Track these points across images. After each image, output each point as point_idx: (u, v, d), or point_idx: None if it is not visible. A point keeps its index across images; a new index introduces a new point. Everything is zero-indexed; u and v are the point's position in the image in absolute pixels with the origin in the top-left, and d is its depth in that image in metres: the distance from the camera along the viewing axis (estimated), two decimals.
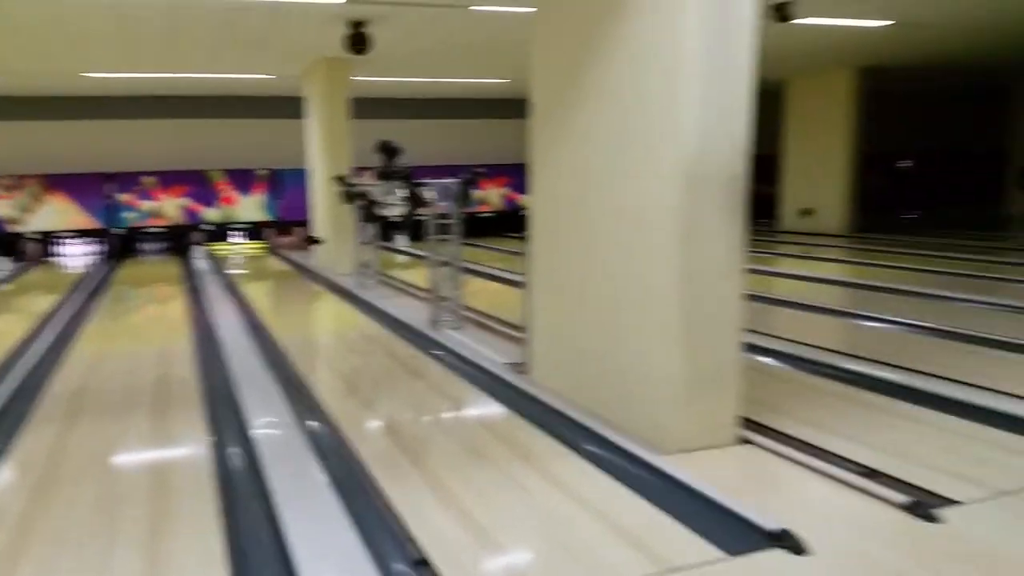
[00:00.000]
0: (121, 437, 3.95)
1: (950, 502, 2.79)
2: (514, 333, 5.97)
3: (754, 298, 7.20)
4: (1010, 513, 2.73)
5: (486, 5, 7.82)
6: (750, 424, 3.62)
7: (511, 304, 7.58)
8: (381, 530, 2.76)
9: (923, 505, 2.71)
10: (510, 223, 15.34)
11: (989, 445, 3.39)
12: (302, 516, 2.83)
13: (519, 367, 4.89)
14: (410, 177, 6.74)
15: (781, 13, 7.81)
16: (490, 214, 15.65)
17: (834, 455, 3.28)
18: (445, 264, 6.65)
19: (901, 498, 2.78)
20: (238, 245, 14.40)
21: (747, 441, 3.46)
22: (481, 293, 8.48)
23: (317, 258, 11.55)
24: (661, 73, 3.26)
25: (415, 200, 6.67)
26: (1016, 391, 4.07)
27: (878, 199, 16.39)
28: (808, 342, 5.38)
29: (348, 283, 9.36)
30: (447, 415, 4.36)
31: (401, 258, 12.58)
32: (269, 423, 4.03)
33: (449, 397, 4.65)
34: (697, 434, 3.34)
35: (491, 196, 15.71)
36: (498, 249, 12.63)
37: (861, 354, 5.01)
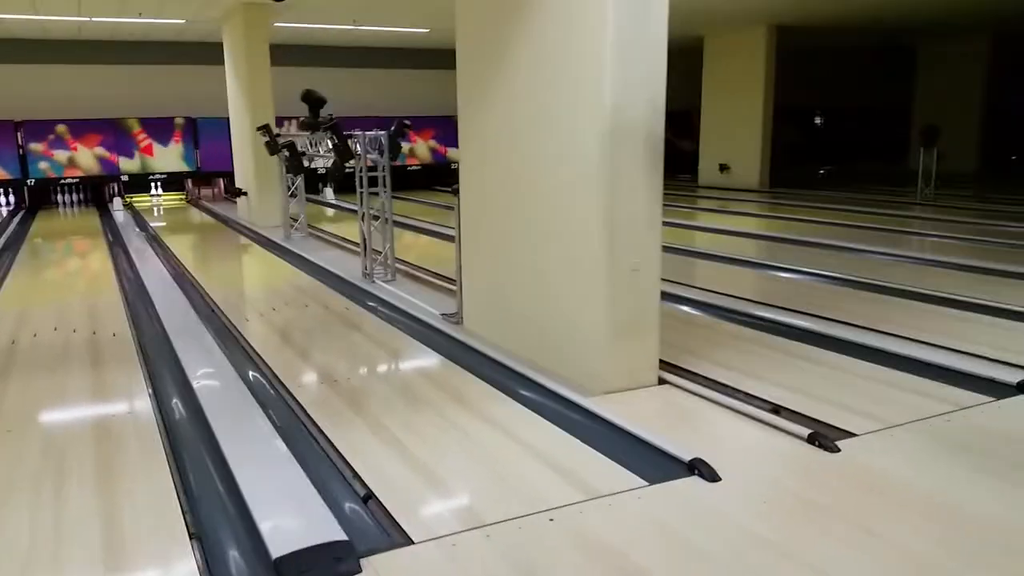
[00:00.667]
0: (59, 392, 3.96)
1: (847, 434, 3.12)
2: (446, 285, 6.13)
3: (674, 250, 7.54)
4: (899, 443, 3.07)
5: None
6: (669, 367, 3.91)
7: (442, 257, 7.72)
8: (327, 470, 2.92)
9: (822, 437, 3.03)
10: (438, 176, 15.34)
11: (885, 384, 3.75)
12: (249, 459, 2.96)
13: (452, 317, 5.06)
14: (338, 128, 6.72)
15: None
16: (417, 167, 15.58)
17: (745, 393, 3.59)
18: (376, 217, 6.71)
19: (804, 431, 3.09)
20: (158, 196, 13.98)
21: (666, 382, 3.74)
22: (412, 246, 8.59)
23: (241, 210, 11.37)
24: (585, 32, 3.41)
25: (343, 151, 6.67)
26: (912, 335, 4.47)
27: (792, 155, 17.05)
28: (724, 291, 5.72)
29: (275, 235, 9.30)
30: (384, 364, 4.51)
31: (329, 211, 12.48)
32: (208, 374, 4.09)
33: (385, 347, 4.80)
34: (621, 376, 3.59)
35: (419, 149, 15.64)
36: (427, 202, 12.68)
37: (773, 302, 5.37)
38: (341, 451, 3.07)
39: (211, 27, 11.54)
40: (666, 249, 7.32)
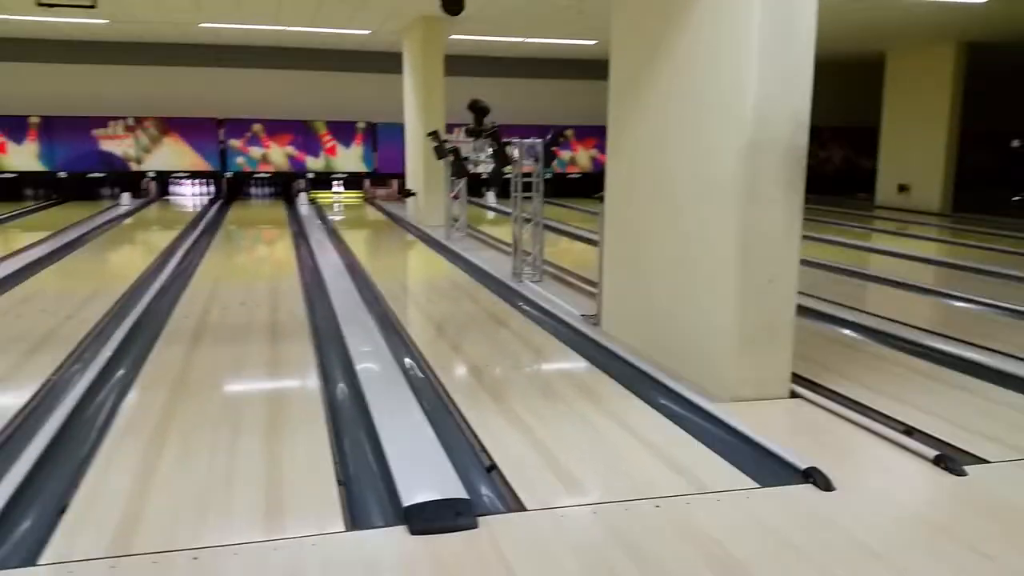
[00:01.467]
0: (240, 359, 4.53)
1: (978, 460, 3.03)
2: (589, 288, 6.33)
3: (840, 270, 7.35)
4: None
5: None
6: (805, 382, 3.89)
7: (590, 261, 7.93)
8: (459, 442, 3.21)
9: (950, 459, 2.96)
10: (598, 184, 15.54)
11: None
12: (394, 425, 3.30)
13: (592, 319, 5.25)
14: (498, 135, 7.10)
15: None
16: (578, 175, 15.87)
17: (877, 412, 3.53)
18: (528, 220, 7.02)
19: (931, 452, 3.03)
20: (338, 193, 15.15)
21: (798, 396, 3.74)
22: (565, 251, 8.84)
23: (410, 209, 12.12)
24: (730, 45, 3.50)
25: (502, 158, 7.04)
26: None
27: (981, 179, 15.80)
28: (886, 315, 5.52)
29: (438, 234, 9.87)
30: (524, 358, 4.76)
31: (489, 214, 13.02)
32: (367, 354, 4.52)
33: (527, 343, 5.06)
34: (749, 386, 3.64)
35: (580, 157, 15.92)
36: (584, 210, 12.91)
37: (934, 329, 5.16)
38: (474, 427, 3.35)
39: (393, 38, 12.39)
40: (831, 269, 7.15)
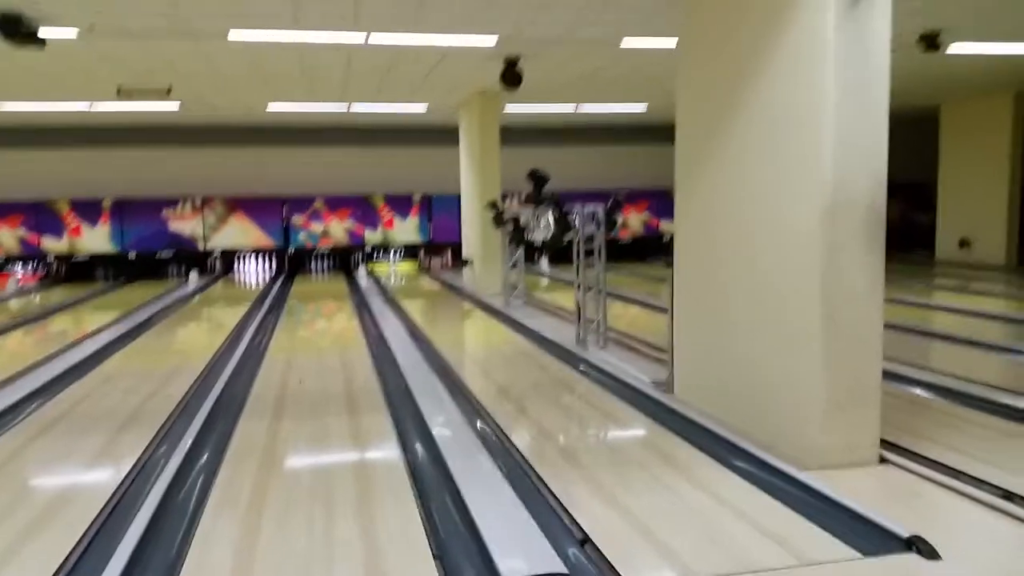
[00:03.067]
0: (322, 431, 4.62)
1: None
2: (656, 354, 6.32)
3: (907, 330, 7.21)
4: None
5: (635, 40, 8.25)
6: (893, 447, 3.81)
7: (651, 326, 7.92)
8: (548, 515, 3.21)
9: None
10: (650, 248, 15.63)
11: None
12: (481, 499, 3.32)
13: (663, 385, 5.23)
14: (559, 202, 7.24)
15: (929, 42, 7.78)
16: (629, 240, 15.95)
17: (973, 477, 3.43)
18: (590, 287, 7.08)
19: None
20: (395, 264, 15.48)
21: (887, 461, 3.66)
22: (622, 315, 8.85)
23: (466, 278, 12.30)
24: (805, 106, 3.57)
25: (563, 225, 7.16)
26: None
27: None
28: (961, 375, 5.39)
29: (496, 302, 9.98)
30: (597, 425, 4.76)
31: (543, 280, 13.13)
32: (442, 423, 4.58)
33: (599, 409, 5.06)
34: (838, 452, 3.58)
35: (631, 221, 16.03)
36: (638, 274, 12.94)
37: (1009, 387, 5.01)
38: (559, 497, 3.35)
39: (447, 113, 12.82)
40: (898, 328, 7.03)
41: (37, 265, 14.22)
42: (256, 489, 3.58)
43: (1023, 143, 13.10)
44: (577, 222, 7.08)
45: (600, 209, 6.98)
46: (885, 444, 3.80)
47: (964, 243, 13.94)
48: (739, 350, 4.23)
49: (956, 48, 8.82)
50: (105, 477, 3.84)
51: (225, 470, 3.87)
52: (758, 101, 3.97)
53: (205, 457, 4.08)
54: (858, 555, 2.74)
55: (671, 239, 5.12)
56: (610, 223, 6.97)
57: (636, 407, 4.93)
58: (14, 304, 11.39)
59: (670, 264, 5.08)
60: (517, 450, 4.06)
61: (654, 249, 15.64)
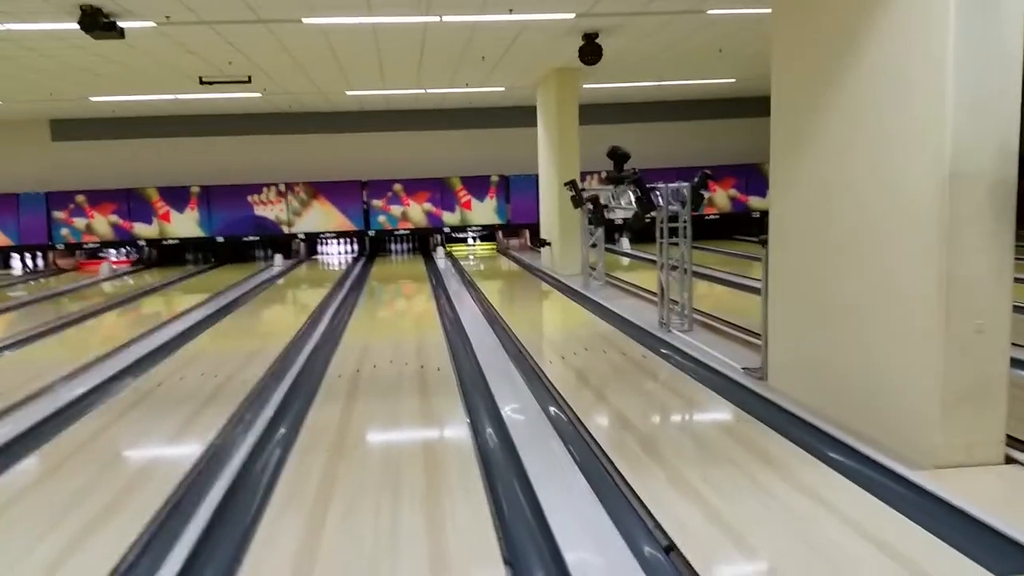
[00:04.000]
0: (394, 414, 4.49)
1: None
2: (746, 338, 5.95)
3: None
4: None
5: (722, 8, 7.78)
6: (1019, 444, 3.39)
7: (740, 308, 7.52)
8: (627, 513, 2.96)
9: None
10: (738, 225, 15.01)
11: None
12: (554, 493, 3.10)
13: (755, 372, 4.88)
14: (641, 181, 6.90)
15: None
16: (716, 216, 15.36)
17: None
18: (674, 267, 6.73)
19: None
20: (473, 246, 15.38)
21: (1015, 461, 3.24)
22: (707, 296, 8.45)
23: (544, 259, 12.05)
24: (923, 65, 3.16)
25: (646, 203, 6.82)
26: None
27: None
28: None
29: (575, 283, 9.71)
30: (683, 414, 4.47)
31: (624, 260, 12.76)
32: (516, 409, 4.38)
33: (685, 397, 4.76)
34: (956, 451, 3.19)
35: (718, 198, 15.43)
36: (725, 252, 12.42)
37: None
38: (641, 496, 3.09)
39: (525, 92, 12.54)
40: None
41: (129, 250, 14.75)
42: (324, 479, 3.46)
43: None
44: (660, 200, 6.72)
45: (685, 186, 6.60)
46: (1013, 441, 3.38)
47: None
48: (844, 336, 3.84)
49: None
50: (176, 460, 3.79)
51: (294, 457, 3.76)
52: (864, 65, 3.56)
53: (275, 442, 3.99)
54: (988, 574, 2.38)
55: (764, 216, 4.73)
56: (696, 199, 6.59)
57: (726, 395, 4.60)
58: (108, 287, 11.80)
59: (765, 243, 4.70)
60: (599, 446, 3.80)
61: (742, 226, 15.00)
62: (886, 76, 3.41)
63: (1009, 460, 3.25)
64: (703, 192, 6.78)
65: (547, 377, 5.14)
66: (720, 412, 4.40)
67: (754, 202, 15.38)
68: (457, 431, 4.13)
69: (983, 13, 3.01)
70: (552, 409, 4.41)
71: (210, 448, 3.93)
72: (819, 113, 3.96)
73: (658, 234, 6.77)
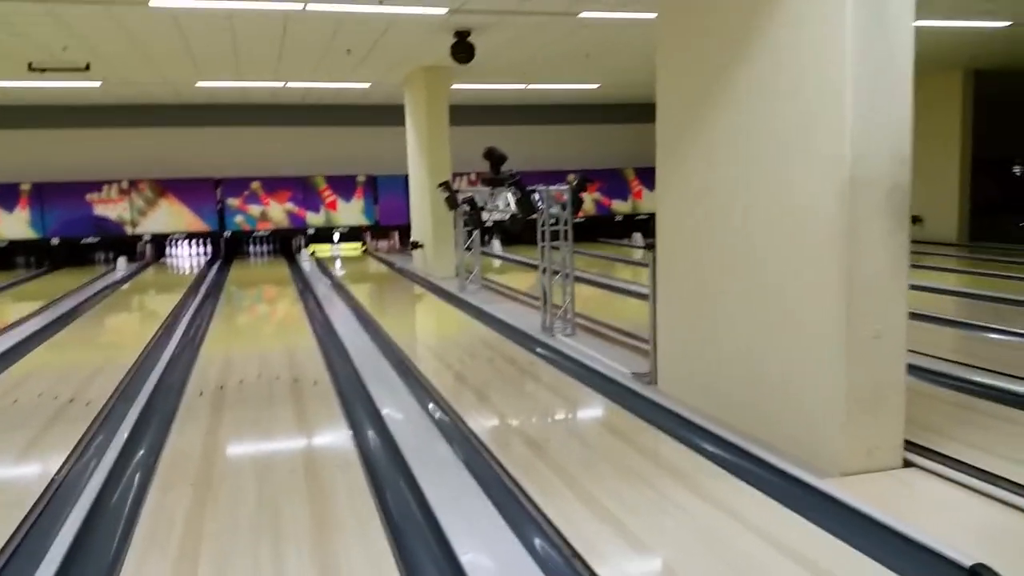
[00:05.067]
0: (268, 436, 4.08)
1: None
2: (630, 341, 5.92)
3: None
4: None
5: (595, 11, 7.77)
6: (911, 447, 3.45)
7: (620, 311, 7.54)
8: (543, 542, 2.75)
9: None
10: (603, 228, 15.24)
11: None
12: (463, 526, 2.85)
13: (645, 377, 4.82)
14: (521, 183, 6.75)
15: None
16: (582, 219, 15.53)
17: (1009, 481, 3.09)
18: (556, 271, 6.62)
19: None
20: (339, 248, 14.76)
21: (912, 465, 3.30)
22: (586, 300, 8.42)
23: (417, 261, 11.72)
24: (820, 77, 3.15)
25: (526, 206, 6.67)
26: None
27: (992, 207, 15.58)
28: (937, 355, 5.12)
29: (451, 286, 9.46)
30: (582, 425, 4.32)
31: (496, 262, 12.63)
32: (410, 432, 4.07)
33: (580, 408, 4.63)
34: (858, 457, 3.20)
35: (583, 201, 15.61)
36: (594, 254, 12.55)
37: (989, 367, 4.76)
38: (551, 519, 2.89)
39: (393, 90, 12.15)
40: None
41: None
42: (190, 521, 3.02)
43: (973, 120, 13.09)
44: (541, 203, 6.59)
45: (565, 189, 6.51)
46: (909, 445, 3.44)
47: (916, 220, 13.91)
48: (739, 342, 3.82)
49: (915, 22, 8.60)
50: (11, 501, 3.22)
51: (153, 496, 3.28)
52: (755, 69, 3.54)
53: (127, 478, 3.49)
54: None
55: (641, 220, 4.68)
56: (576, 202, 6.51)
57: (621, 403, 4.50)
58: None
59: (652, 246, 4.64)
60: (498, 462, 3.57)
61: (605, 229, 15.26)
62: (782, 77, 3.39)
63: (907, 464, 3.30)
64: (581, 195, 6.72)
65: (438, 392, 4.84)
66: (618, 421, 4.26)
67: (616, 206, 15.69)
68: (342, 452, 3.78)
69: (878, 21, 3.03)
70: (447, 429, 4.13)
71: (50, 486, 3.38)
72: (707, 114, 3.92)
73: (539, 237, 6.63)
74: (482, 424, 4.16)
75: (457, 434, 4.00)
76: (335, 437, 4.08)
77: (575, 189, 6.52)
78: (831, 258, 3.15)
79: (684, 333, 4.37)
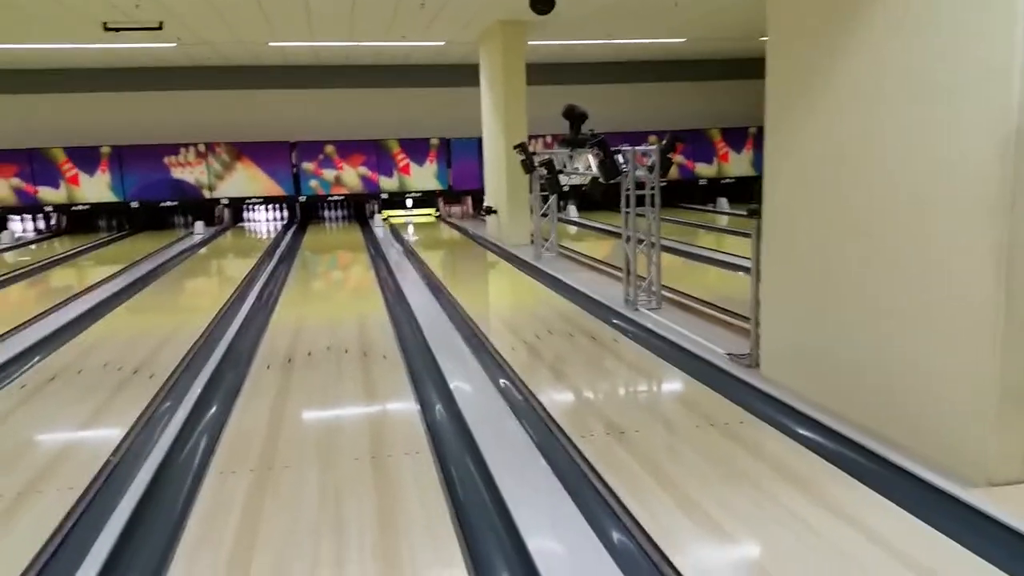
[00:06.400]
0: (334, 426, 3.81)
1: None
2: (722, 317, 5.45)
3: None
4: None
5: None
6: None
7: (707, 283, 7.04)
8: (634, 554, 2.38)
9: None
10: (684, 193, 14.57)
11: None
12: (543, 531, 2.50)
13: (744, 359, 4.35)
14: (605, 143, 6.27)
15: None
16: (663, 183, 14.87)
17: None
18: (641, 240, 6.16)
19: None
20: (412, 213, 14.55)
21: None
22: (668, 270, 7.92)
23: (490, 227, 11.37)
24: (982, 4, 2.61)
25: (610, 168, 6.20)
26: None
27: None
28: None
29: (525, 254, 9.08)
30: (678, 416, 3.89)
31: (571, 228, 12.18)
32: (487, 418, 3.75)
33: (675, 394, 4.22)
34: (1015, 463, 2.70)
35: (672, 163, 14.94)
36: (674, 220, 11.95)
37: None
38: (644, 526, 2.51)
39: (466, 49, 11.72)
40: None
41: (35, 216, 13.42)
42: (247, 513, 2.76)
43: None
44: (626, 165, 6.11)
45: (652, 150, 6.01)
46: None
47: None
48: (866, 322, 3.31)
49: None
50: (67, 480, 3.03)
51: (211, 479, 3.05)
52: (900, 10, 2.99)
53: (185, 457, 3.27)
54: None
55: (742, 183, 4.18)
56: (665, 164, 6.01)
57: (712, 385, 4.07)
58: (10, 257, 10.62)
59: (757, 214, 4.14)
60: (584, 458, 3.21)
61: (687, 194, 14.57)
62: (932, 8, 2.84)
63: None
64: (671, 156, 6.21)
65: (512, 368, 4.50)
66: (718, 410, 3.76)
67: (700, 169, 14.97)
68: (410, 438, 3.47)
69: None
70: (529, 417, 3.76)
71: (106, 466, 3.18)
72: (835, 60, 3.37)
73: (623, 203, 6.17)
74: (559, 405, 3.81)
75: (533, 416, 3.66)
76: (404, 420, 3.79)
77: (663, 150, 6.02)
78: (987, 225, 2.63)
79: (795, 310, 3.87)
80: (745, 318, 5.20)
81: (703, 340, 4.87)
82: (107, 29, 8.94)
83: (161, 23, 8.88)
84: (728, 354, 4.50)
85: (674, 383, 4.33)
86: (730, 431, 3.47)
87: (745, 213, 4.31)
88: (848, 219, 3.38)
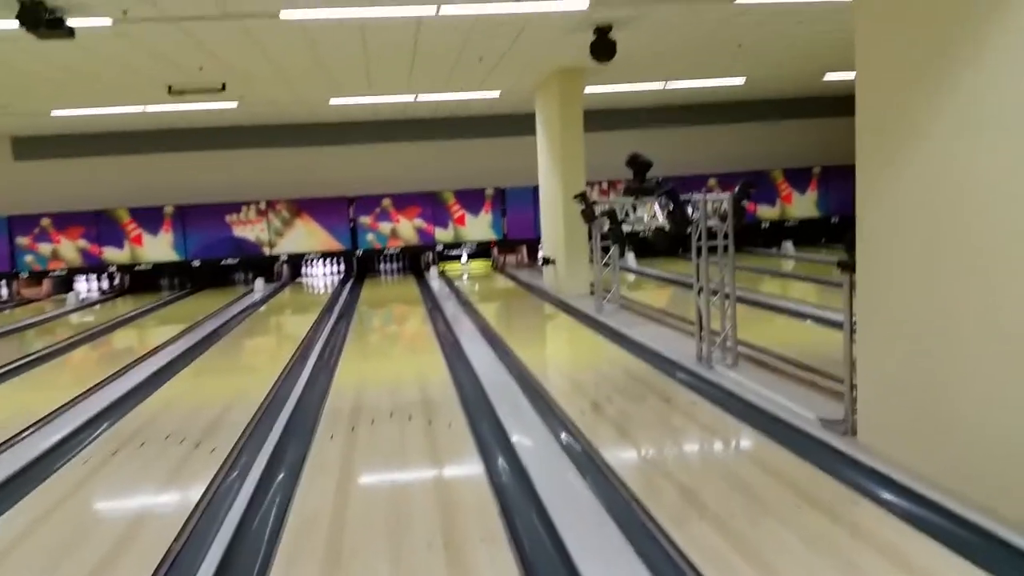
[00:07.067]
0: (403, 488, 3.60)
1: None
2: (806, 376, 5.11)
3: None
4: None
5: None
6: None
7: (780, 334, 6.70)
8: None
9: None
10: (746, 236, 14.18)
11: None
12: None
13: (838, 426, 4.01)
14: (675, 192, 6.04)
15: None
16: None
17: None
18: (714, 292, 5.87)
19: None
20: (468, 264, 14.46)
21: None
22: (738, 321, 7.57)
23: (547, 278, 11.16)
24: None
25: (681, 218, 5.96)
26: None
27: None
28: None
29: (585, 305, 8.84)
30: (766, 489, 3.56)
31: (630, 277, 11.89)
32: (562, 492, 3.48)
33: (761, 462, 3.87)
34: None
35: (745, 211, 14.59)
36: (739, 267, 11.55)
37: None
38: None
39: (520, 98, 11.69)
40: None
41: (100, 276, 13.73)
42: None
43: None
44: (695, 213, 5.87)
45: (725, 198, 5.75)
46: None
47: None
48: (987, 386, 2.97)
49: None
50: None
51: (280, 565, 2.84)
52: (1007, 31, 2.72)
53: (243, 554, 3.08)
54: None
55: (843, 224, 3.91)
56: (739, 212, 5.73)
57: (802, 454, 3.74)
58: (75, 318, 10.81)
59: (848, 266, 3.84)
60: (664, 533, 2.92)
61: (751, 237, 14.16)
62: None
63: None
64: (744, 204, 5.94)
65: (586, 437, 4.23)
66: (811, 483, 3.46)
67: (763, 211, 14.60)
68: (484, 520, 3.22)
69: None
70: (603, 488, 3.50)
71: (164, 560, 3.01)
72: (942, 86, 3.10)
73: (694, 253, 5.90)
74: (640, 480, 3.51)
75: (618, 491, 3.37)
76: (476, 498, 3.53)
77: (736, 197, 5.74)
78: None
79: (900, 372, 3.53)
80: (831, 376, 4.87)
81: (788, 402, 4.53)
82: (172, 92, 9.14)
83: (224, 84, 9.05)
84: (820, 419, 4.16)
85: (758, 450, 4.00)
86: (819, 502, 3.18)
87: (836, 263, 4.00)
88: (961, 263, 3.06)
